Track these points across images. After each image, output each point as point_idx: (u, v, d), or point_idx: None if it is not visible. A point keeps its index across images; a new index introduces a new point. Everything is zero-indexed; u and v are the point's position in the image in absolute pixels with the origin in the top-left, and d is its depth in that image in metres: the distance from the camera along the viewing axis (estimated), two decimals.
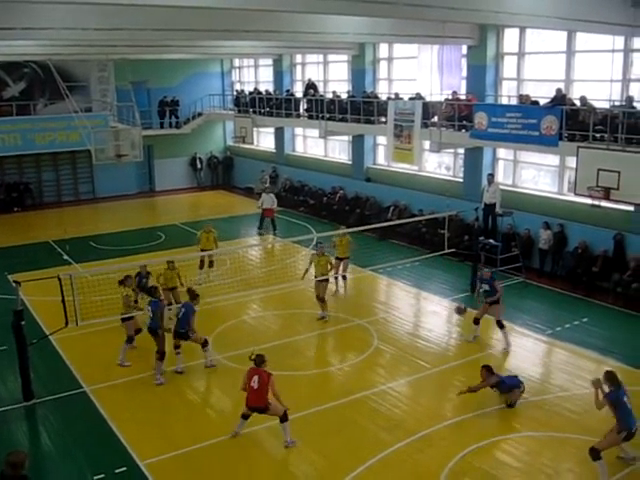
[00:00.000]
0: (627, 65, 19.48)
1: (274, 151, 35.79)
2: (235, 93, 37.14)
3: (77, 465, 11.59)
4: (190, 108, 36.91)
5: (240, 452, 11.75)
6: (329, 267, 17.68)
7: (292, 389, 14.00)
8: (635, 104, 18.19)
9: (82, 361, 15.46)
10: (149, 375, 14.54)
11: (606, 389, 10.71)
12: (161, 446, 11.87)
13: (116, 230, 28.20)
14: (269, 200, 27.07)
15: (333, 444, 11.92)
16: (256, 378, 11.43)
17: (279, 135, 34.94)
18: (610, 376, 10.75)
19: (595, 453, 10.60)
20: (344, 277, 19.75)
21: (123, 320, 15.25)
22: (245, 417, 11.91)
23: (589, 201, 18.12)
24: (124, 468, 11.28)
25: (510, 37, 22.69)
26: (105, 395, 13.82)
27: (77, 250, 24.09)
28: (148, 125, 34.37)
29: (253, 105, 33.05)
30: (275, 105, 31.81)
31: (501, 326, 15.74)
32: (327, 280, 17.72)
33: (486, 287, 15.92)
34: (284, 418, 11.70)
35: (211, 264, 20.63)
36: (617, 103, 18.62)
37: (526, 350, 15.92)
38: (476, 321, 16.08)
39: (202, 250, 20.16)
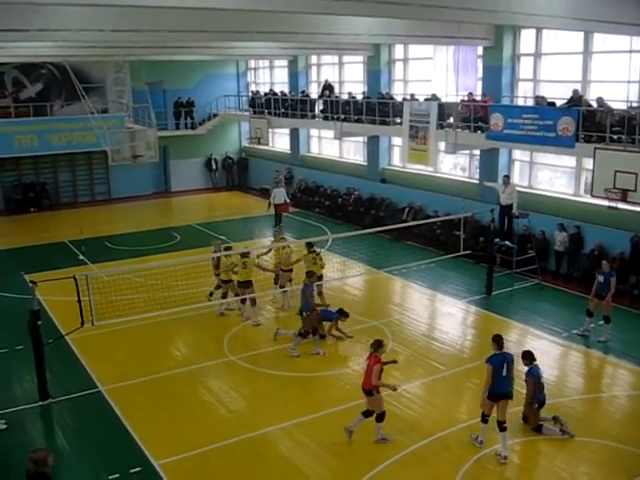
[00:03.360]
0: None
1: (289, 152, 35.83)
2: (250, 94, 37.18)
3: (92, 464, 11.65)
4: (205, 109, 37.07)
5: (254, 453, 11.76)
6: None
7: (307, 390, 14.05)
8: None
9: (98, 361, 15.53)
10: (163, 375, 14.64)
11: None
12: (176, 446, 11.90)
13: (132, 230, 28.33)
14: (280, 195, 27.07)
15: (348, 446, 11.88)
16: (366, 363, 11.85)
17: (294, 136, 34.97)
18: (497, 339, 11.71)
19: (482, 417, 11.65)
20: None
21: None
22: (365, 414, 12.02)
23: (606, 203, 18.02)
24: (139, 468, 11.32)
25: (527, 38, 22.58)
26: (120, 395, 13.87)
27: (93, 250, 24.25)
28: (164, 126, 34.52)
29: (268, 106, 33.06)
30: (290, 106, 31.83)
31: (607, 321, 16.08)
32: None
33: (601, 279, 16.13)
34: (378, 418, 11.89)
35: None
36: (635, 104, 18.48)
37: (542, 352, 15.73)
38: (589, 313, 16.37)
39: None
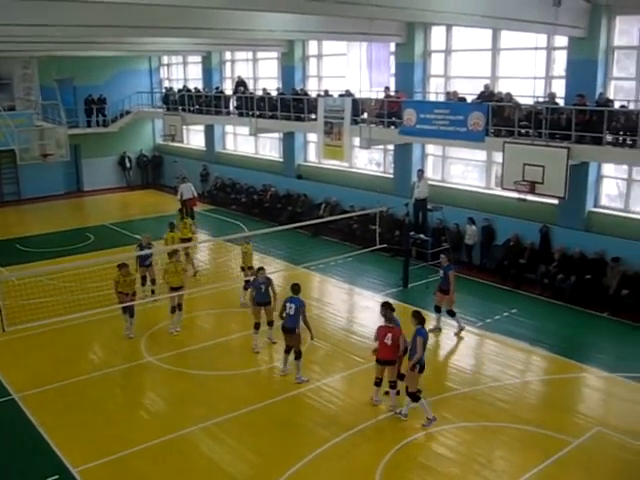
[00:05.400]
0: (549, 62, 20.02)
1: (204, 149, 35.51)
2: (164, 91, 36.68)
3: (8, 475, 11.27)
4: (118, 106, 36.32)
5: (176, 454, 11.63)
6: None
7: (226, 388, 13.98)
8: (557, 100, 18.70)
9: (11, 367, 15.05)
10: (80, 379, 14.32)
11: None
12: (94, 452, 11.65)
13: (43, 232, 27.53)
14: (188, 190, 26.87)
15: (269, 442, 11.92)
16: (390, 335, 12.42)
17: (209, 133, 34.67)
18: (417, 315, 12.46)
19: (414, 396, 12.19)
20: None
21: None
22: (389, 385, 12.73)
23: (516, 195, 18.55)
24: (56, 476, 11.03)
25: (437, 35, 23.02)
26: (35, 401, 13.48)
27: (2, 253, 23.50)
28: (74, 124, 33.69)
29: (182, 103, 32.67)
30: (205, 103, 31.54)
31: (452, 314, 16.45)
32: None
33: (440, 273, 16.56)
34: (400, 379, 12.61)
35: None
36: (540, 99, 19.10)
37: (457, 342, 16.20)
38: (437, 309, 16.61)
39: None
